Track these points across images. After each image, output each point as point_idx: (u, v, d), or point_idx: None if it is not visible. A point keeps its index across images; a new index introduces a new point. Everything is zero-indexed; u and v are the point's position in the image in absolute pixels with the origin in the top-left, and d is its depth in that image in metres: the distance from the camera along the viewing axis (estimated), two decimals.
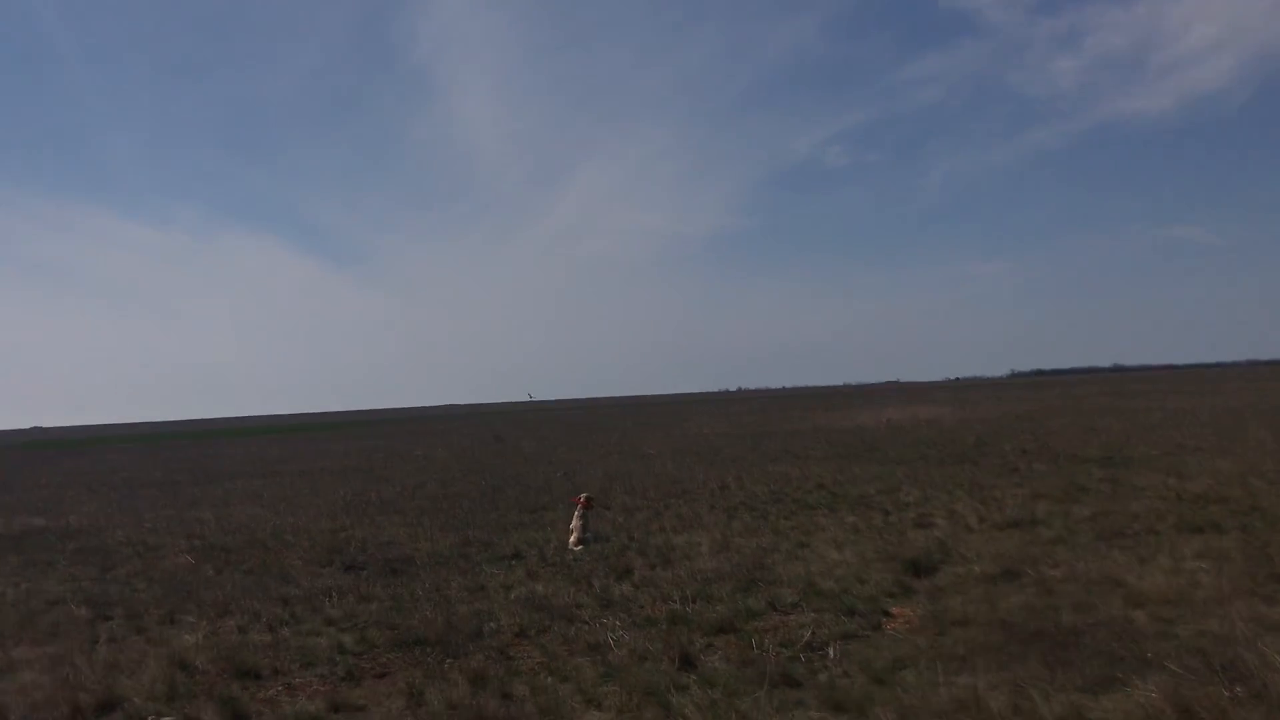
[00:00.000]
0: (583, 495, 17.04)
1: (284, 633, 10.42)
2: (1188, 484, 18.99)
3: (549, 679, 7.96)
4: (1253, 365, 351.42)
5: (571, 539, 16.02)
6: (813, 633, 8.69)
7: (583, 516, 16.28)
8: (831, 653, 8.06)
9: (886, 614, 9.60)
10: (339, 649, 9.49)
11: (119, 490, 34.48)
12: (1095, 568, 11.39)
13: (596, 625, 9.92)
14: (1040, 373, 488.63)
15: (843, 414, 57.84)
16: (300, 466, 44.21)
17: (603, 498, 21.90)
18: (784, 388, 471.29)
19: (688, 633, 9.13)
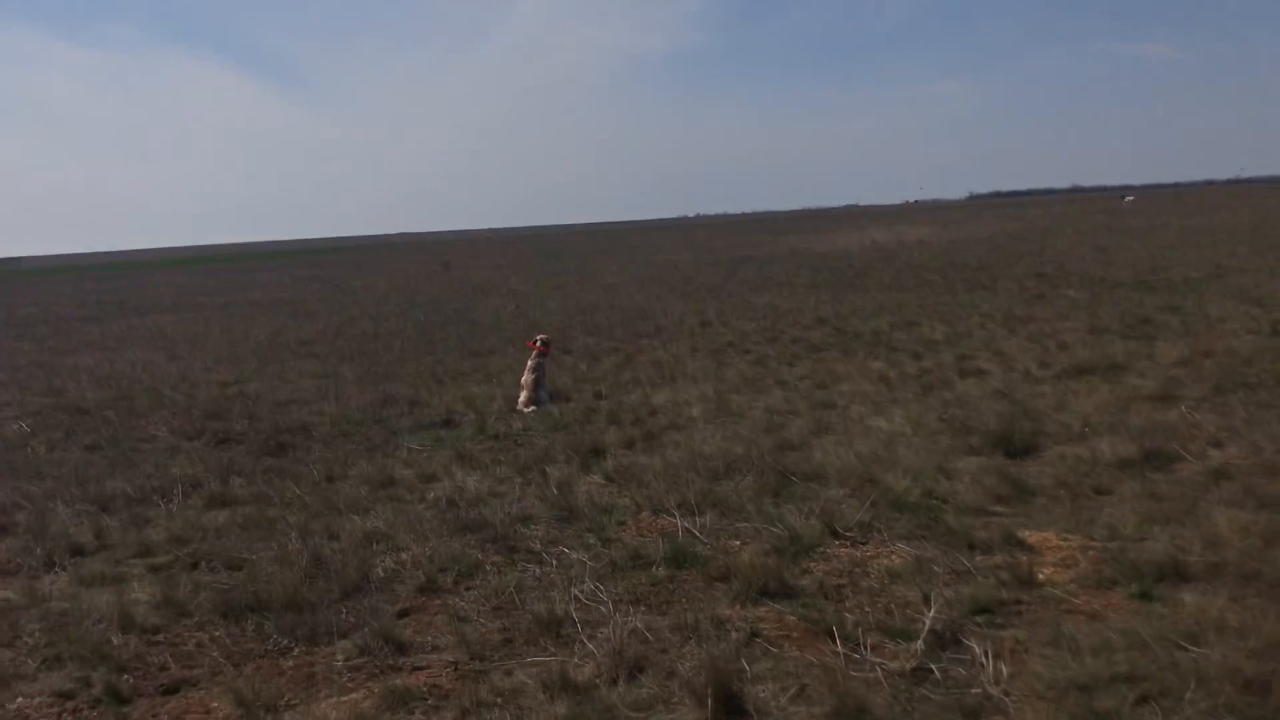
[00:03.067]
0: (538, 338, 13.20)
1: (56, 579, 6.62)
2: (1278, 315, 15.50)
3: None
4: (1209, 184, 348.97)
5: (522, 397, 12.27)
6: (931, 604, 4.98)
7: (538, 368, 12.48)
8: (987, 660, 4.37)
9: (1023, 546, 5.96)
10: (126, 620, 5.71)
11: (8, 330, 30.14)
12: None
13: (552, 565, 6.23)
14: (999, 194, 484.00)
15: (817, 238, 53.86)
16: (226, 299, 39.97)
17: (561, 340, 18.10)
18: (743, 213, 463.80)
19: (707, 597, 5.45)
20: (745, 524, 6.71)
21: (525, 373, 12.48)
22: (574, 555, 6.34)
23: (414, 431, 11.25)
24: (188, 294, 45.73)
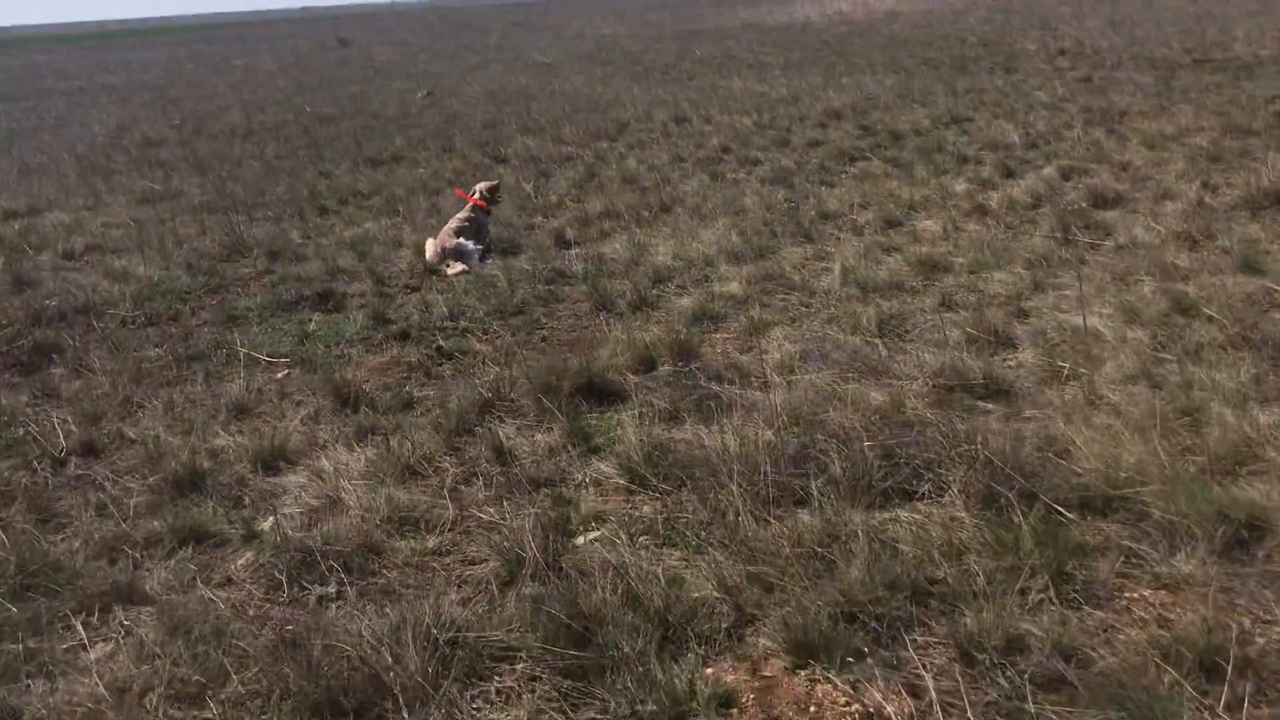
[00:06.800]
0: (479, 187, 8.53)
1: None
2: None
3: None
4: None
5: (430, 250, 7.84)
6: None
7: (473, 221, 8.05)
8: None
9: None
10: None
11: None
12: None
13: None
14: None
15: (768, 9, 47.82)
16: (81, 83, 33.68)
17: (491, 141, 13.42)
18: None
19: None
20: None
21: (455, 220, 8.00)
22: None
23: (267, 317, 6.85)
24: (39, 77, 38.99)
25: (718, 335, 5.81)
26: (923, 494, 3.72)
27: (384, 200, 10.60)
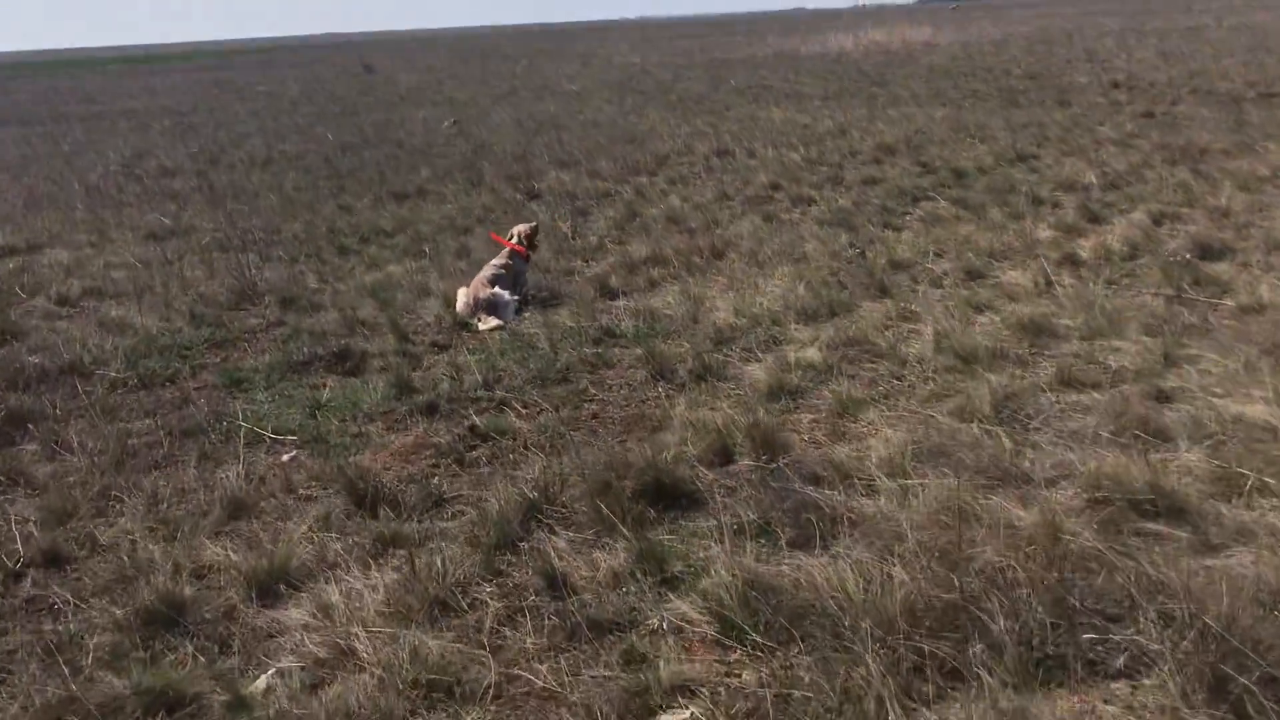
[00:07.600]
0: (516, 230, 7.65)
1: None
2: None
3: None
4: None
5: (461, 300, 7.00)
6: None
7: (509, 268, 7.23)
8: None
9: None
10: None
11: None
12: None
13: None
14: None
15: (800, 39, 46.90)
16: (101, 108, 33.23)
17: (523, 175, 12.60)
18: (686, 16, 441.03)
19: None
20: None
21: (489, 268, 7.17)
22: None
23: (275, 381, 6.01)
24: (60, 101, 38.57)
25: (802, 416, 4.92)
26: (1119, 670, 2.81)
27: (409, 239, 9.81)
